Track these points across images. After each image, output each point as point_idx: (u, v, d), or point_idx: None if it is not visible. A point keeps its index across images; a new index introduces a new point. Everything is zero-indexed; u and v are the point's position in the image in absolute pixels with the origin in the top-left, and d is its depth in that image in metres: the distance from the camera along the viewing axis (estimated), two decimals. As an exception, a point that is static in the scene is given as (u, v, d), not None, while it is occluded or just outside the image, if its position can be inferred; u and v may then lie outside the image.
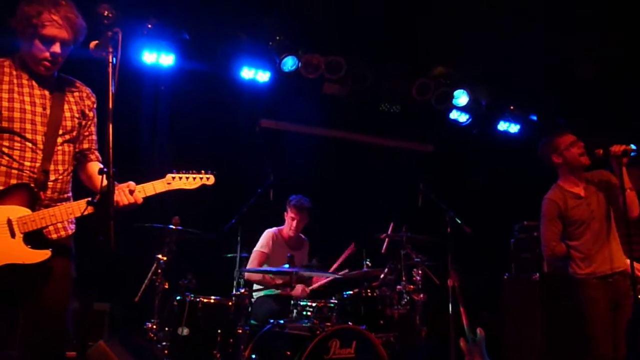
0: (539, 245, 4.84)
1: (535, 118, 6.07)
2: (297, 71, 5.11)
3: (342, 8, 4.79)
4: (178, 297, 3.41)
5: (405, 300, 3.97)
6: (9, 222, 2.02)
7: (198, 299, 3.39)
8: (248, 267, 4.14)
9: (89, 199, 2.05)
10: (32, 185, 2.10)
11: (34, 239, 2.06)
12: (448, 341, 4.40)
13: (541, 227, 3.29)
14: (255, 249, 4.31)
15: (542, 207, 3.29)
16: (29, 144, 2.12)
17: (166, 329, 3.30)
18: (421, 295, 4.04)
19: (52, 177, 2.16)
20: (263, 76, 5.11)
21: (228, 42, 4.93)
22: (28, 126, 2.12)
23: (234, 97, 5.26)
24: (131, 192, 2.15)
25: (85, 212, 2.07)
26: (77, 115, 2.28)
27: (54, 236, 2.17)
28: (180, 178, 2.32)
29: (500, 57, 5.23)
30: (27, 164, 2.11)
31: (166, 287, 3.30)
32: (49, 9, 2.12)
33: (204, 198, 4.88)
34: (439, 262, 4.47)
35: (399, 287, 4.00)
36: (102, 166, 1.94)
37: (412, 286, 4.05)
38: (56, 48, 2.14)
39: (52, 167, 2.16)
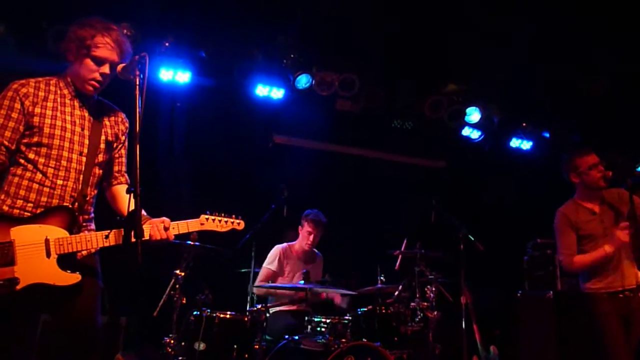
0: (552, 263, 4.86)
1: (547, 135, 6.08)
2: (310, 88, 5.19)
3: (356, 26, 4.88)
4: (195, 312, 3.45)
5: (419, 317, 3.97)
6: (47, 242, 2.08)
7: (215, 314, 3.43)
8: (256, 283, 4.17)
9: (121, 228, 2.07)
10: (73, 208, 2.17)
11: (67, 260, 2.11)
12: (461, 359, 4.38)
13: (557, 240, 3.32)
14: (264, 265, 4.34)
15: (554, 220, 3.34)
16: (64, 163, 2.19)
17: (183, 343, 3.33)
18: (435, 313, 4.04)
19: (89, 201, 2.25)
20: (277, 93, 5.20)
21: (243, 60, 5.02)
22: (66, 144, 2.20)
23: (249, 114, 5.35)
24: (165, 228, 2.21)
25: (119, 242, 2.13)
26: (111, 139, 2.37)
27: (84, 253, 2.22)
28: (214, 220, 2.42)
29: (513, 74, 5.27)
30: (59, 182, 2.18)
31: (184, 302, 3.34)
32: (102, 32, 2.25)
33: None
34: (452, 279, 4.47)
35: (412, 304, 4.00)
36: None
37: (425, 303, 4.05)
38: (106, 69, 2.26)
39: (89, 190, 2.25)
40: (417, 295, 4.08)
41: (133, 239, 1.87)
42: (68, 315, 2.10)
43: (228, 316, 3.47)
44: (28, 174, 2.15)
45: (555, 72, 5.22)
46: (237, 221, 2.47)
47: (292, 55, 5.16)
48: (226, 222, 2.44)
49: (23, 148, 2.17)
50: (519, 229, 5.42)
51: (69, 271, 2.08)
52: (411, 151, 6.11)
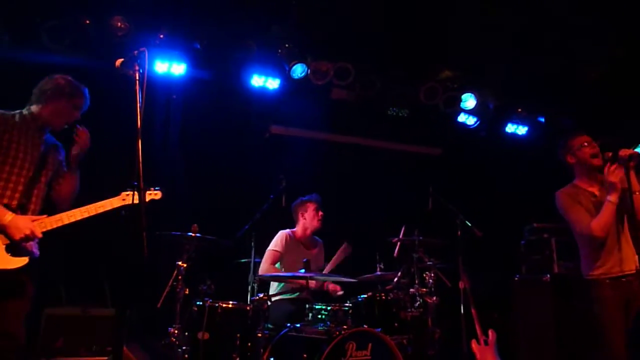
0: (548, 247, 4.92)
1: (543, 120, 6.11)
2: (306, 78, 5.20)
3: (349, 14, 4.87)
4: (198, 303, 3.49)
5: (418, 302, 4.03)
6: None
7: (217, 304, 3.47)
8: (262, 266, 4.22)
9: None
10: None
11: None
12: (460, 343, 4.46)
13: (568, 218, 3.25)
14: (268, 248, 4.39)
15: (557, 203, 3.31)
16: None
17: (186, 333, 3.38)
18: (434, 298, 4.10)
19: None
20: (273, 83, 5.20)
21: (238, 51, 5.02)
22: None
23: (245, 105, 5.36)
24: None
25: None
26: None
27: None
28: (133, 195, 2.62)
29: (507, 60, 5.29)
30: None
31: (186, 292, 3.39)
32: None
33: (220, 205, 4.99)
34: (451, 265, 4.53)
35: (412, 290, 4.06)
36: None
37: (424, 289, 4.11)
38: None
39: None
40: (416, 281, 4.14)
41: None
42: None
43: (230, 306, 3.51)
44: None
45: (549, 56, 5.24)
46: (154, 192, 2.81)
47: (287, 45, 5.16)
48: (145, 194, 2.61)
49: None
50: (515, 213, 5.48)
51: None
52: (407, 139, 6.14)
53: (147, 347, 3.88)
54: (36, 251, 2.64)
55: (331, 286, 4.36)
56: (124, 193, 2.71)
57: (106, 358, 3.45)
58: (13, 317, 2.49)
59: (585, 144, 3.27)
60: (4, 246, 2.43)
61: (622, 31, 4.79)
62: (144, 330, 4.04)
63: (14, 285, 2.50)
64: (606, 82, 5.42)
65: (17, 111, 2.74)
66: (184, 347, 3.33)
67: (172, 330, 3.28)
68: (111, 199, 2.68)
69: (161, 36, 4.77)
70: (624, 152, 3.06)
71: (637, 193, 3.09)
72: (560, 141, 3.40)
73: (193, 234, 3.44)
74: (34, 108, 2.75)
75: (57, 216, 2.59)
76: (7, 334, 2.46)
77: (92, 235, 4.25)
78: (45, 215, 2.60)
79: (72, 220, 2.58)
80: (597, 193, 3.26)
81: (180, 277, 3.36)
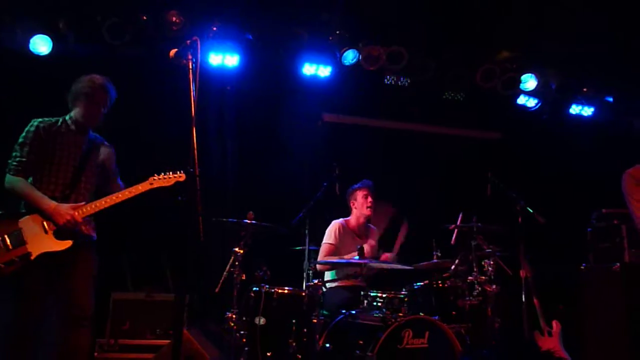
0: (619, 234, 4.61)
1: (611, 99, 5.72)
2: (357, 64, 5.13)
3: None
4: (255, 288, 3.55)
5: (477, 291, 3.91)
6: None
7: (273, 290, 3.52)
8: (319, 259, 4.23)
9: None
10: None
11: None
12: (522, 333, 4.29)
13: (628, 205, 3.23)
14: (323, 241, 4.39)
15: (622, 185, 3.26)
16: None
17: (244, 318, 3.46)
18: (493, 287, 3.96)
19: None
20: (324, 71, 5.18)
21: (289, 40, 5.02)
22: None
23: (297, 93, 5.36)
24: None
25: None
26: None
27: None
28: (160, 179, 2.92)
29: (570, 36, 4.97)
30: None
31: (243, 278, 3.46)
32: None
33: (274, 193, 5.05)
34: (511, 253, 4.36)
35: (470, 278, 3.95)
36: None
37: (483, 277, 3.98)
38: None
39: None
40: (475, 270, 4.01)
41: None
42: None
43: (286, 291, 3.55)
44: None
45: (614, 31, 4.86)
46: (179, 174, 2.89)
47: (337, 32, 5.11)
48: (170, 177, 2.89)
49: None
50: (582, 199, 5.18)
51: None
52: (464, 123, 5.93)
53: (206, 332, 4.01)
54: (93, 234, 3.00)
55: (383, 256, 4.32)
56: (151, 178, 2.89)
57: (168, 341, 3.58)
58: (81, 291, 2.86)
59: None
60: (52, 231, 2.79)
61: None
62: (204, 314, 4.18)
63: (76, 263, 2.86)
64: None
65: (62, 117, 3.06)
66: (241, 332, 3.41)
67: (229, 315, 3.36)
68: (138, 185, 2.88)
69: (214, 28, 4.85)
70: None
71: None
72: None
73: (249, 221, 3.50)
74: (72, 111, 3.05)
75: (93, 203, 2.87)
76: (77, 305, 2.84)
77: (154, 222, 4.46)
78: (83, 203, 2.88)
79: (107, 205, 2.86)
80: None
81: (237, 263, 3.44)
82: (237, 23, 4.89)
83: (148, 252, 4.66)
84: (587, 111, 5.74)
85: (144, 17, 4.53)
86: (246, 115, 5.36)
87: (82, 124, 3.02)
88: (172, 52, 2.32)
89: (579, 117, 5.74)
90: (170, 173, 2.89)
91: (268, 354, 3.41)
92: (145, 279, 4.57)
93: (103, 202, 2.86)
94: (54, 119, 3.02)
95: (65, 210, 2.80)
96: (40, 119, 2.96)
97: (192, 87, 2.13)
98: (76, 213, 2.81)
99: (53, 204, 2.81)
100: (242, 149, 5.38)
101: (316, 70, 5.16)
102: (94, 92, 2.98)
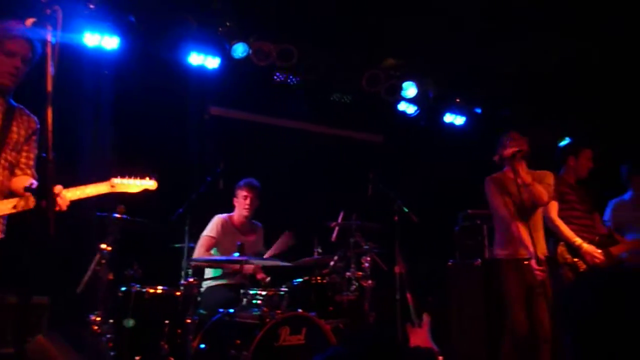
0: (481, 233, 5.10)
1: (479, 111, 6.29)
2: (247, 58, 5.04)
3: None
4: (123, 288, 3.31)
5: (354, 286, 4.05)
6: None
7: (144, 290, 3.31)
8: (195, 252, 4.07)
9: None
10: None
11: None
12: (395, 326, 4.53)
13: (490, 207, 3.74)
14: (203, 234, 4.24)
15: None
16: None
17: (110, 321, 3.20)
18: (369, 282, 4.13)
19: None
20: (212, 62, 5.00)
21: (176, 26, 4.78)
22: None
23: (182, 84, 5.12)
24: (57, 195, 2.18)
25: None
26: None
27: None
28: (124, 183, 2.47)
29: (449, 50, 5.36)
30: None
31: (110, 278, 3.19)
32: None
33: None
34: (387, 250, 4.58)
35: (348, 273, 4.07)
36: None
37: (360, 273, 4.12)
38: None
39: None
40: (353, 266, 4.14)
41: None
42: None
43: (159, 291, 3.36)
44: None
45: (488, 48, 5.35)
46: (150, 181, 2.51)
47: (227, 24, 4.98)
48: (138, 183, 2.47)
49: None
50: (451, 200, 5.62)
51: None
52: (350, 125, 6.13)
53: (68, 336, 3.64)
54: None
55: (259, 275, 4.22)
56: (112, 179, 2.45)
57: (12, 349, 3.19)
58: None
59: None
60: None
61: (565, 27, 4.93)
62: (65, 318, 3.80)
63: None
64: (543, 75, 5.61)
65: None
66: (108, 335, 3.15)
67: (93, 317, 3.09)
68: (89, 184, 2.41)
69: (91, 6, 4.46)
70: (506, 152, 3.54)
71: (530, 186, 3.47)
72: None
73: (119, 215, 3.24)
74: None
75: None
76: None
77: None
78: None
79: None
80: (518, 182, 3.56)
81: (103, 261, 3.16)
82: (118, 2, 4.54)
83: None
84: (460, 120, 6.24)
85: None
86: (126, 102, 4.99)
87: None
88: (29, 21, 2.06)
89: (452, 125, 6.22)
90: (138, 178, 2.44)
91: (137, 357, 3.19)
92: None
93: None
94: None
95: None
96: None
97: (49, 62, 1.89)
98: None
99: None
100: (119, 138, 5.00)
101: (204, 60, 4.97)
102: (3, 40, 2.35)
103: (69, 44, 4.41)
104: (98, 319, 3.10)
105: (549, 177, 3.66)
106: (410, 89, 5.78)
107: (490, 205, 3.73)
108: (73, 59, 4.45)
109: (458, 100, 6.13)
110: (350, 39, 5.35)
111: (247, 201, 4.29)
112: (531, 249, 3.37)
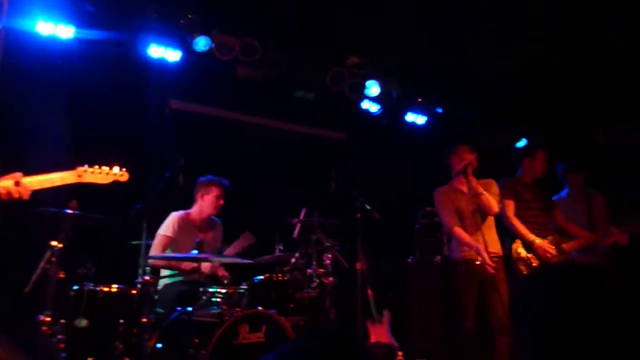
0: (440, 230, 5.20)
1: (441, 111, 6.40)
2: (210, 52, 4.95)
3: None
4: (75, 287, 3.19)
5: (316, 283, 4.04)
6: None
7: (98, 288, 3.20)
8: (151, 251, 3.96)
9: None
10: None
11: None
12: (356, 322, 4.56)
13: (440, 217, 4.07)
14: (158, 232, 4.12)
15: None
16: None
17: (61, 321, 3.07)
18: (331, 279, 4.14)
19: None
20: (173, 55, 4.88)
21: (135, 17, 4.64)
22: None
23: (142, 76, 4.97)
24: (16, 183, 1.97)
25: None
26: None
27: None
28: (93, 172, 2.20)
29: (413, 50, 5.42)
30: None
31: (61, 276, 3.06)
32: None
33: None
34: (349, 247, 4.60)
35: (309, 270, 4.06)
36: None
37: (322, 270, 4.13)
38: None
39: None
40: (314, 263, 4.14)
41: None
42: None
43: (114, 290, 3.25)
44: None
45: (451, 48, 5.44)
46: (120, 172, 2.24)
47: (189, 16, 4.87)
48: (107, 173, 2.21)
49: None
50: (411, 199, 5.70)
51: None
52: (313, 122, 6.12)
53: (17, 338, 3.48)
54: None
55: (220, 272, 4.16)
56: (79, 168, 2.27)
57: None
58: None
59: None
60: None
61: (530, 30, 5.05)
62: (12, 318, 3.63)
63: None
64: (505, 78, 5.75)
65: None
66: (58, 336, 3.03)
67: (42, 318, 2.96)
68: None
69: (43, -7, 4.27)
70: (458, 166, 3.83)
71: (481, 195, 3.76)
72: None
73: (71, 211, 3.11)
74: None
75: None
76: None
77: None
78: None
79: None
80: (465, 191, 3.92)
81: (53, 259, 3.03)
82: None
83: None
84: (421, 120, 6.33)
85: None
86: (82, 94, 4.80)
87: None
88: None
89: (413, 124, 6.30)
90: (108, 168, 2.19)
91: (89, 358, 3.08)
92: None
93: None
94: None
95: None
96: None
97: (-7, 50, 1.80)
98: None
99: None
100: (74, 131, 4.81)
101: (164, 53, 4.85)
102: None
103: (20, 30, 4.23)
104: (48, 319, 2.97)
105: (494, 187, 3.95)
106: (373, 88, 5.81)
107: (438, 215, 4.11)
108: (23, 47, 4.26)
109: (420, 100, 6.22)
110: (315, 36, 5.33)
111: (221, 202, 4.22)
112: (477, 246, 3.65)
